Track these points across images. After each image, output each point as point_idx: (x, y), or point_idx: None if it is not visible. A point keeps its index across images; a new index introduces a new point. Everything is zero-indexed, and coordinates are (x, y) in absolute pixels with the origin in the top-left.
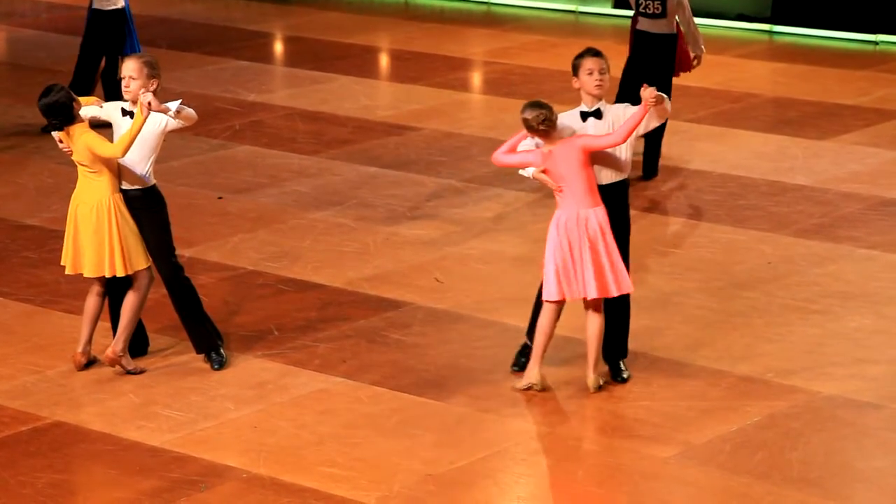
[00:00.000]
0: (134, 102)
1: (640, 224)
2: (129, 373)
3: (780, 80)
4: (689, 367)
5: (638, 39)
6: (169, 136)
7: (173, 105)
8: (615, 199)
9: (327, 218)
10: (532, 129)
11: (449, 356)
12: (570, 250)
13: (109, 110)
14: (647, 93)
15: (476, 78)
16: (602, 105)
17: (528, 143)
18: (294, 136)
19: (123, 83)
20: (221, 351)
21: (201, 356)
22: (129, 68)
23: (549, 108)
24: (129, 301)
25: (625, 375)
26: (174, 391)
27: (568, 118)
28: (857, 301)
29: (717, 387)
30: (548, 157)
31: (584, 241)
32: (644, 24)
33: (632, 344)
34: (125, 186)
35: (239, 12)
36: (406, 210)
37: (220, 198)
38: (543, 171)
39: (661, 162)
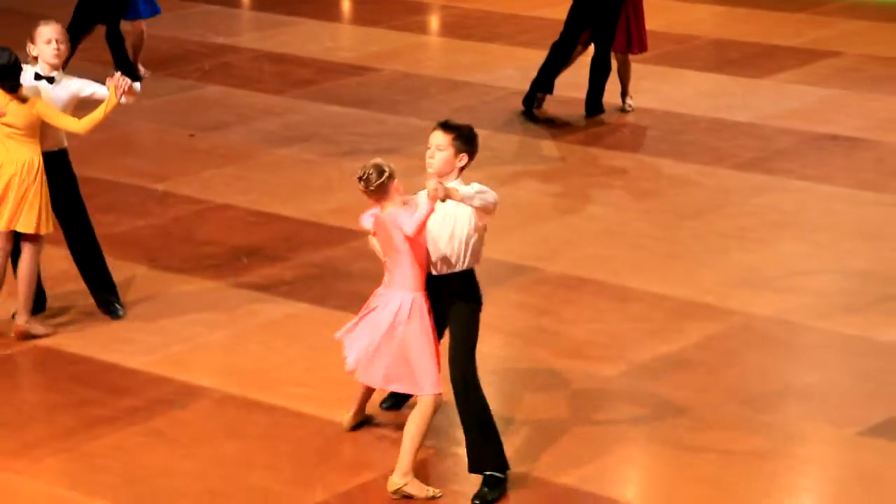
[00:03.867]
0: (54, 67)
1: (587, 158)
2: (38, 336)
3: (721, 23)
4: (634, 292)
5: None
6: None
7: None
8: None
9: (293, 154)
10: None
11: None
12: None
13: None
14: (433, 187)
15: (433, 21)
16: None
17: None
18: (261, 76)
19: (52, 47)
20: None
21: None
22: (55, 31)
23: (377, 168)
24: (30, 267)
25: None
26: (149, 317)
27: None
28: (790, 229)
29: (659, 309)
30: (376, 222)
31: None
32: None
33: (581, 271)
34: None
35: None
36: (365, 145)
37: (191, 135)
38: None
39: (608, 100)
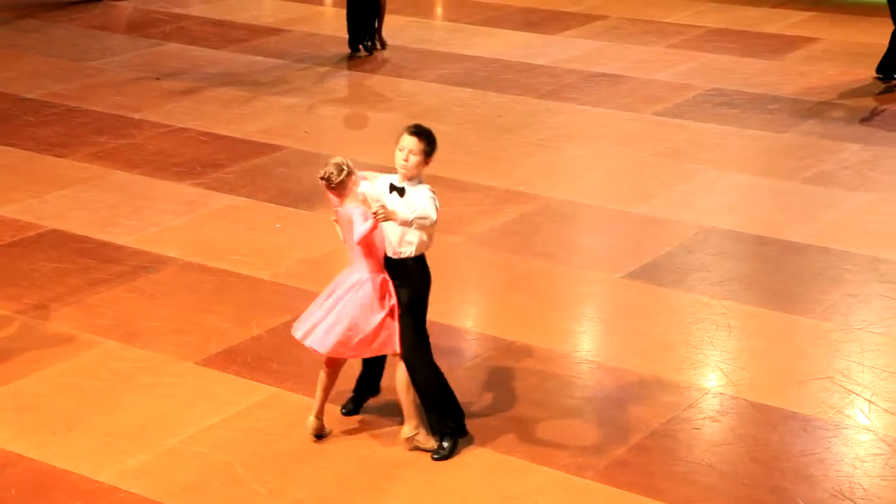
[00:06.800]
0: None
1: (432, 91)
2: None
3: None
4: (470, 184)
5: None
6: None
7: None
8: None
9: (230, 91)
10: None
11: (314, 182)
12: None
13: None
14: (375, 210)
15: None
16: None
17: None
18: (206, 36)
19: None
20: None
21: None
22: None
23: (338, 167)
24: None
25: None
26: (131, 209)
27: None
28: (575, 139)
29: (489, 197)
30: (337, 214)
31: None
32: None
33: (434, 171)
34: None
35: None
36: (282, 84)
37: (157, 78)
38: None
39: (446, 50)
